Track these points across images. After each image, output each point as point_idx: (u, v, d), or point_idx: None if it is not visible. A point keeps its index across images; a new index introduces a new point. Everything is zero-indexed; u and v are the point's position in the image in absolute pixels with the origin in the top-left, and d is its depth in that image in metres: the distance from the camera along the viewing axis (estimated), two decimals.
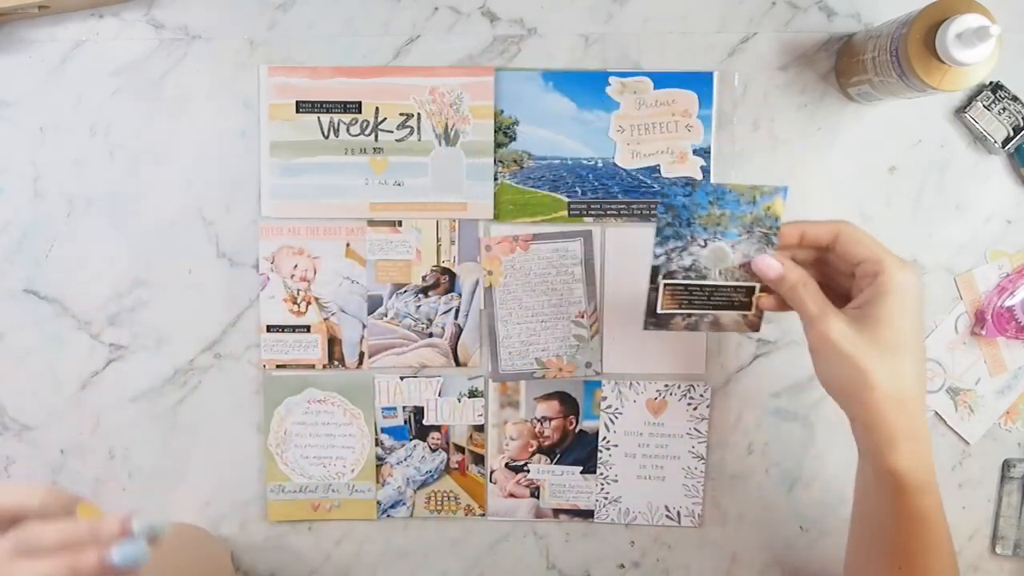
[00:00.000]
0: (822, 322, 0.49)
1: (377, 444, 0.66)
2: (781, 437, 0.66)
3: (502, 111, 0.64)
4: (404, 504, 0.67)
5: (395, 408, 0.66)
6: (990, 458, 0.66)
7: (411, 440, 0.66)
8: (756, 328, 0.58)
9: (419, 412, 0.66)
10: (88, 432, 0.66)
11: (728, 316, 0.57)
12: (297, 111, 0.64)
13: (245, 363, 0.66)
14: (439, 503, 0.67)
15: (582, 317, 0.65)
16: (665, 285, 0.56)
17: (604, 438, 0.66)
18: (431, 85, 0.63)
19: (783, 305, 0.54)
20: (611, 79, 0.63)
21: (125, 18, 0.64)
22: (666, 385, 0.65)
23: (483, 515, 0.67)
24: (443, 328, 0.65)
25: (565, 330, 0.65)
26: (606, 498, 0.67)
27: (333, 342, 0.65)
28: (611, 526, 0.67)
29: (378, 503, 0.67)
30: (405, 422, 0.66)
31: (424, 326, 0.65)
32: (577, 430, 0.66)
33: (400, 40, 0.64)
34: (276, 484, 0.66)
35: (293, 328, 0.65)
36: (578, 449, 0.66)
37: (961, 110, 0.62)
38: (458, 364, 0.66)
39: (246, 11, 0.63)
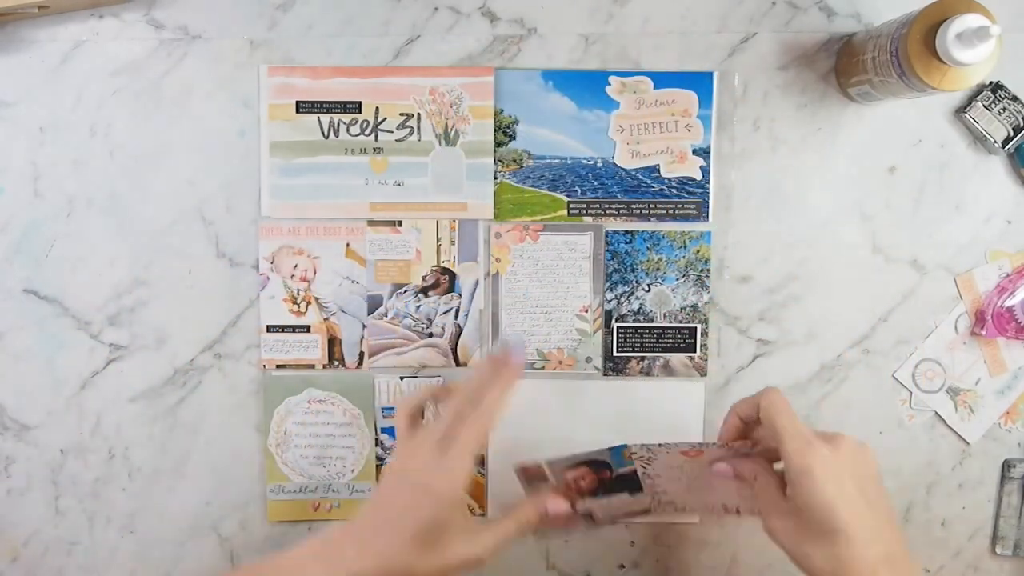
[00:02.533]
0: (766, 521, 0.50)
1: (377, 444, 0.66)
2: None
3: (502, 111, 0.64)
4: None
5: (395, 408, 0.66)
6: (990, 458, 0.66)
7: None
8: (703, 372, 0.65)
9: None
10: (88, 432, 0.66)
11: (677, 359, 0.64)
12: (297, 111, 0.64)
13: (245, 363, 0.66)
14: None
15: (586, 311, 0.65)
16: (618, 328, 0.64)
17: (643, 469, 0.57)
18: (431, 85, 0.63)
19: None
20: (611, 79, 0.63)
21: (125, 18, 0.64)
22: (702, 445, 0.54)
23: (483, 515, 0.67)
24: (443, 328, 0.65)
25: (568, 323, 0.65)
26: (659, 502, 0.59)
27: (333, 342, 0.65)
28: (611, 526, 0.67)
29: None
30: None
31: (424, 326, 0.65)
32: (615, 477, 0.58)
33: (400, 40, 0.64)
34: (276, 484, 0.66)
35: (293, 328, 0.65)
36: (620, 486, 0.58)
37: (961, 110, 0.62)
38: (458, 364, 0.66)
39: (246, 11, 0.63)
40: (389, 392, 0.66)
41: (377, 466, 0.66)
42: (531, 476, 0.59)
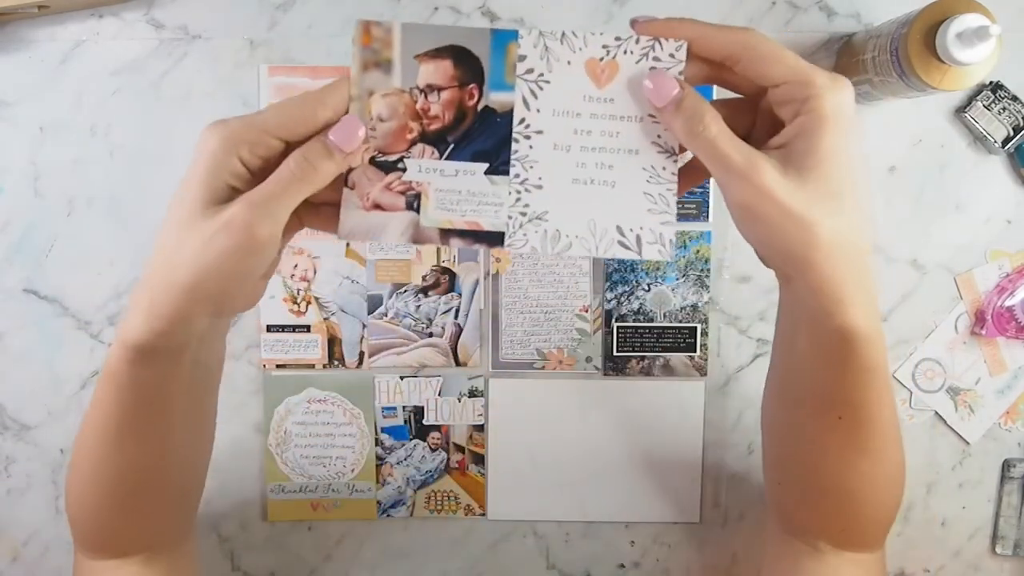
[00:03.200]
0: (756, 173, 0.36)
1: (377, 444, 0.66)
2: None
3: None
4: (404, 504, 0.67)
5: (395, 408, 0.66)
6: (990, 458, 0.66)
7: (411, 440, 0.66)
8: (703, 372, 0.64)
9: (419, 412, 0.66)
10: None
11: (677, 358, 0.63)
12: None
13: (245, 363, 0.66)
14: (439, 503, 0.67)
15: (586, 311, 0.65)
16: (618, 328, 0.63)
17: (523, 120, 0.42)
18: None
19: (686, 174, 0.42)
20: None
21: (125, 18, 0.64)
22: (617, 39, 0.41)
23: (483, 515, 0.67)
24: (443, 328, 0.65)
25: (568, 323, 0.65)
26: (523, 214, 0.42)
27: (333, 342, 0.65)
28: (611, 526, 0.67)
29: (378, 503, 0.67)
30: (405, 422, 0.66)
31: (424, 326, 0.65)
32: (481, 107, 0.42)
33: None
34: (276, 484, 0.66)
35: (293, 328, 0.65)
36: (482, 137, 0.42)
37: (961, 110, 0.62)
38: (458, 364, 0.66)
39: (246, 11, 0.63)
40: (389, 392, 0.66)
41: (377, 466, 0.66)
42: (370, 47, 0.41)
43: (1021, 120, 0.62)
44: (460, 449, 0.67)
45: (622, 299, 0.65)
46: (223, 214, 0.37)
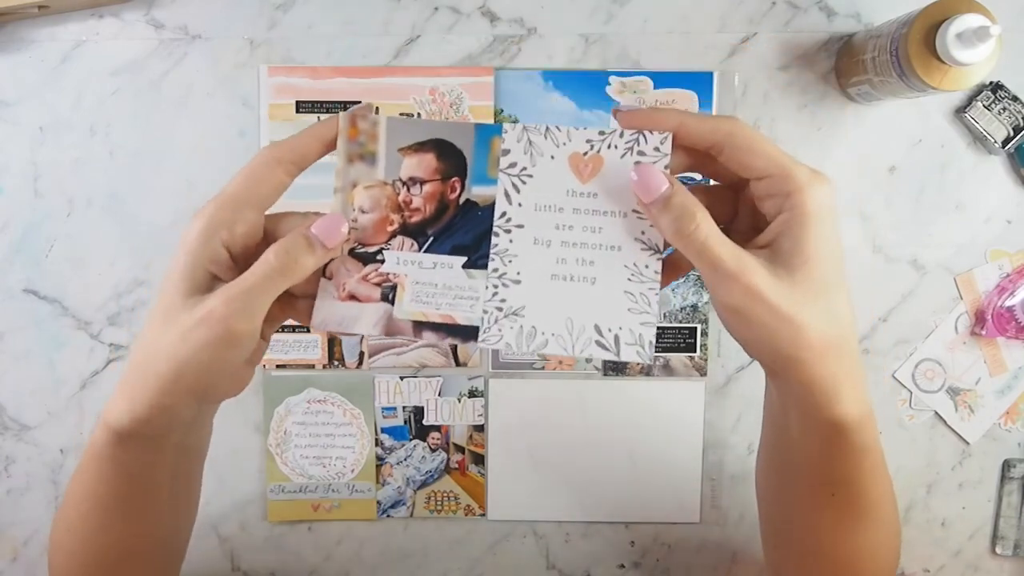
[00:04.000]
0: (747, 275, 0.36)
1: (377, 444, 0.66)
2: None
3: (502, 111, 0.64)
4: (404, 504, 0.67)
5: (395, 408, 0.66)
6: (990, 458, 0.66)
7: (411, 440, 0.66)
8: (703, 372, 0.64)
9: (419, 412, 0.66)
10: (88, 432, 0.66)
11: (677, 359, 0.63)
12: (297, 111, 0.64)
13: None
14: (439, 503, 0.67)
15: None
16: None
17: (503, 214, 0.41)
18: (431, 85, 0.63)
19: (669, 267, 0.41)
20: (611, 79, 0.63)
21: (125, 18, 0.64)
22: (601, 133, 0.40)
23: (483, 515, 0.67)
24: None
25: None
26: (500, 309, 0.41)
27: (333, 342, 0.65)
28: (611, 526, 0.67)
29: (378, 503, 0.67)
30: (405, 422, 0.66)
31: None
32: (463, 200, 0.42)
33: (400, 40, 0.64)
34: (276, 484, 0.66)
35: (293, 328, 0.65)
36: (462, 230, 0.42)
37: (961, 110, 0.62)
38: (458, 364, 0.66)
39: (246, 11, 0.63)
40: (389, 392, 0.66)
41: (377, 466, 0.66)
42: (356, 140, 0.42)
43: (1021, 120, 0.62)
44: (460, 449, 0.67)
45: None
46: (201, 307, 0.37)
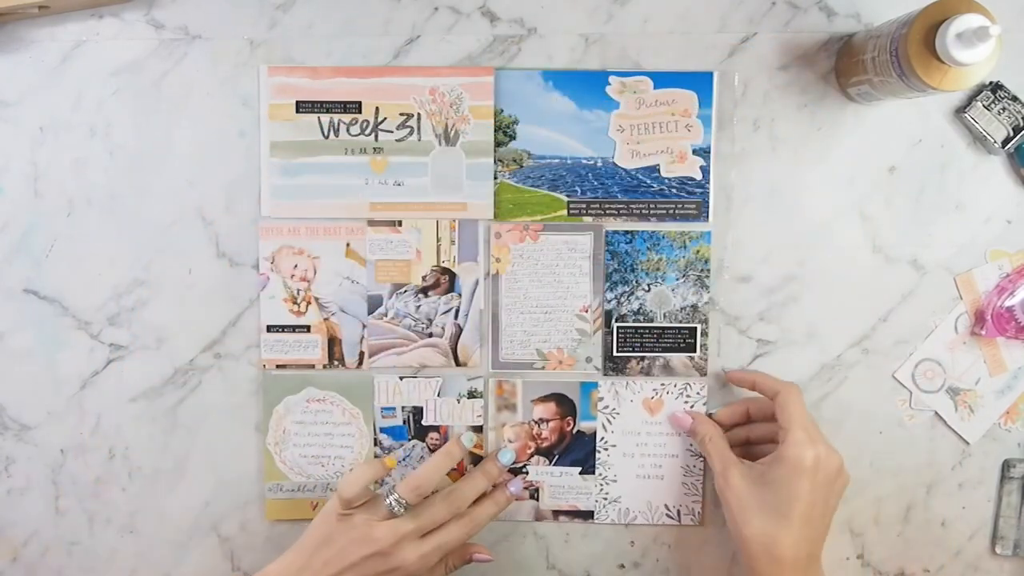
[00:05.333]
0: (722, 474, 0.59)
1: (376, 444, 0.66)
2: None
3: (502, 111, 0.64)
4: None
5: (394, 408, 0.66)
6: (990, 458, 0.66)
7: (410, 440, 0.66)
8: (703, 372, 0.65)
9: (418, 412, 0.66)
10: (88, 432, 0.66)
11: (677, 359, 0.65)
12: (297, 111, 0.64)
13: (245, 363, 0.66)
14: None
15: (586, 311, 0.65)
16: (618, 328, 0.64)
17: (602, 438, 0.66)
18: (431, 85, 0.63)
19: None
20: (611, 79, 0.63)
21: (125, 18, 0.64)
22: (662, 384, 0.65)
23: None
24: (443, 328, 0.65)
25: (568, 323, 0.65)
26: (605, 498, 0.66)
27: (333, 342, 0.65)
28: (611, 526, 0.67)
29: None
30: (404, 422, 0.66)
31: (424, 326, 0.65)
32: (575, 431, 0.66)
33: (400, 40, 0.64)
34: (274, 483, 0.66)
35: (293, 328, 0.65)
36: (576, 450, 0.66)
37: (961, 110, 0.62)
38: (458, 364, 0.66)
39: (246, 11, 0.63)
40: (388, 392, 0.66)
41: None
42: (503, 396, 0.65)
43: (1021, 120, 0.62)
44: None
45: (622, 299, 0.65)
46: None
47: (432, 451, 0.66)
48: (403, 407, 0.66)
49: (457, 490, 0.61)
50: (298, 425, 0.66)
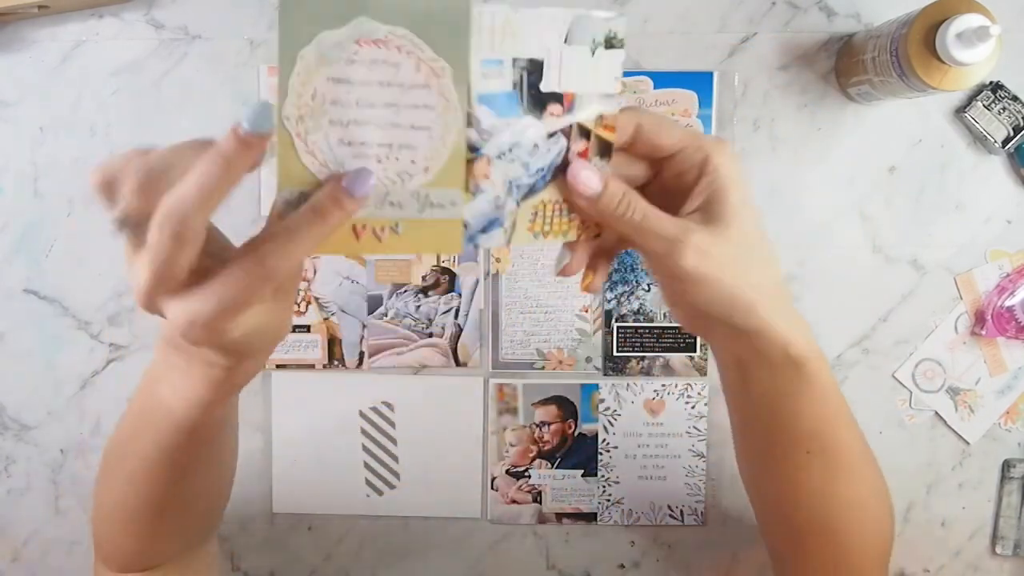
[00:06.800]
0: (689, 235, 0.38)
1: (470, 124, 0.37)
2: None
3: None
4: (501, 225, 0.39)
5: (501, 62, 0.37)
6: (990, 458, 0.66)
7: (522, 116, 0.38)
8: (703, 372, 0.65)
9: (536, 68, 0.37)
10: (88, 432, 0.66)
11: (677, 359, 0.65)
12: None
13: None
14: (547, 222, 0.40)
15: (586, 311, 0.65)
16: (618, 328, 0.64)
17: (604, 440, 0.66)
18: None
19: (598, 254, 0.42)
20: None
21: (125, 18, 0.64)
22: (663, 384, 0.65)
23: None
24: (443, 328, 0.65)
25: (568, 323, 0.65)
26: (608, 500, 0.66)
27: (333, 342, 0.65)
28: (611, 526, 0.67)
29: (465, 225, 0.38)
30: (514, 85, 0.37)
31: (424, 326, 0.65)
32: (576, 433, 0.66)
33: None
34: (289, 190, 0.36)
35: (293, 328, 0.65)
36: (578, 452, 0.66)
37: (961, 110, 0.62)
38: (458, 364, 0.66)
39: (246, 11, 0.63)
40: (494, 32, 0.36)
41: (468, 161, 0.37)
42: (504, 400, 0.65)
43: (1021, 120, 0.62)
44: (585, 134, 0.40)
45: (622, 299, 0.65)
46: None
47: (550, 136, 0.39)
48: (515, 60, 0.37)
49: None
50: (337, 84, 0.34)
